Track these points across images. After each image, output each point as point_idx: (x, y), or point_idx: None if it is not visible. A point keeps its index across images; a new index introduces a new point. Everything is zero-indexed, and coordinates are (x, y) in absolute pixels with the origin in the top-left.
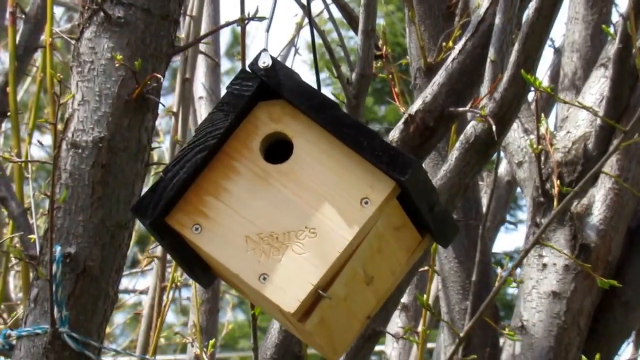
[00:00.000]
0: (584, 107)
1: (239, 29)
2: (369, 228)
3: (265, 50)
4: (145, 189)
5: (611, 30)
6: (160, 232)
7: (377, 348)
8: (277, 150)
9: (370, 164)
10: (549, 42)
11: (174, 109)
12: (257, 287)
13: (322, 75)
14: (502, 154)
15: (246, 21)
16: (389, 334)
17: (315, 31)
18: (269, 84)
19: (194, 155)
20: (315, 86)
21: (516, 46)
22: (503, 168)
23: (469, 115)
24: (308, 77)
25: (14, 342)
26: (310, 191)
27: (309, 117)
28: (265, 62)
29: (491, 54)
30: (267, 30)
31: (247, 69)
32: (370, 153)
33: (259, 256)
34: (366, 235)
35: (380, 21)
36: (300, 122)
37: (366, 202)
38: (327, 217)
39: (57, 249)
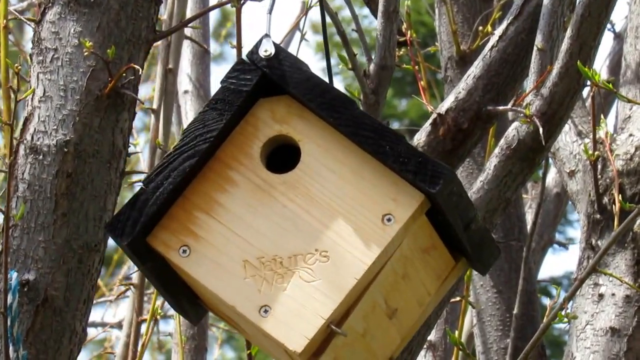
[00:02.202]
0: None
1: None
2: (392, 250)
3: (267, 36)
4: (119, 203)
5: None
6: (140, 255)
7: None
8: (282, 156)
9: (394, 174)
10: (608, 27)
11: (154, 105)
12: (256, 321)
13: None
14: (550, 161)
15: (242, 0)
16: None
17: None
18: (272, 77)
19: (182, 162)
20: (328, 79)
21: (569, 32)
22: (552, 178)
23: (510, 114)
24: (315, 67)
25: None
26: (322, 206)
27: (319, 117)
28: (267, 50)
29: (538, 40)
30: (270, 12)
31: (246, 59)
32: (394, 160)
33: (259, 284)
34: (389, 259)
35: None
36: (309, 122)
37: (389, 220)
38: (341, 237)
39: (13, 276)
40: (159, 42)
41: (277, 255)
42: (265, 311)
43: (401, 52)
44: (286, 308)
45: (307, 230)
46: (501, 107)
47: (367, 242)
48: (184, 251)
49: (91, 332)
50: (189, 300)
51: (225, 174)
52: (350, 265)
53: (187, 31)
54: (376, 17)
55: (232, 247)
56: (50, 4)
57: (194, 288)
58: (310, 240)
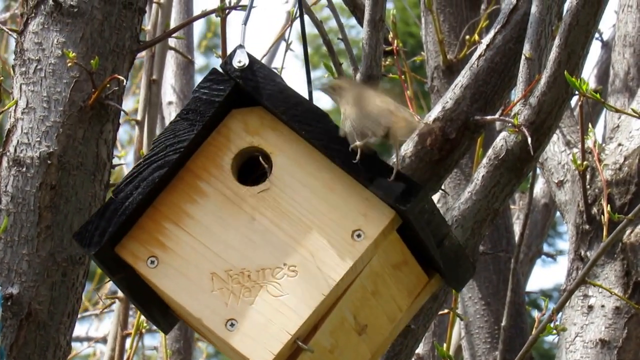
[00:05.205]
0: None
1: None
2: (361, 266)
3: (241, 46)
4: None
5: None
6: (110, 265)
7: None
8: (253, 169)
9: (365, 189)
10: (596, 35)
11: (138, 117)
12: (223, 335)
13: (318, 73)
14: (538, 171)
15: (227, 11)
16: None
17: (309, 20)
18: (245, 88)
19: (152, 172)
20: (308, 91)
21: (557, 40)
22: (539, 189)
23: (498, 124)
24: (301, 78)
25: None
26: (292, 220)
27: (292, 129)
28: (240, 61)
29: (526, 49)
30: (245, 23)
31: (219, 69)
32: (364, 175)
33: (226, 298)
34: (358, 275)
35: (389, 5)
36: (281, 135)
37: (359, 235)
38: (310, 252)
39: None
40: (143, 53)
41: (245, 268)
42: (232, 325)
43: (387, 62)
44: (253, 322)
45: (276, 244)
46: (489, 117)
47: (336, 258)
48: (152, 262)
49: (77, 346)
50: (160, 310)
51: (195, 185)
52: (318, 281)
53: (171, 42)
54: (362, 26)
55: (200, 259)
56: (33, 15)
57: (163, 298)
58: (279, 254)
